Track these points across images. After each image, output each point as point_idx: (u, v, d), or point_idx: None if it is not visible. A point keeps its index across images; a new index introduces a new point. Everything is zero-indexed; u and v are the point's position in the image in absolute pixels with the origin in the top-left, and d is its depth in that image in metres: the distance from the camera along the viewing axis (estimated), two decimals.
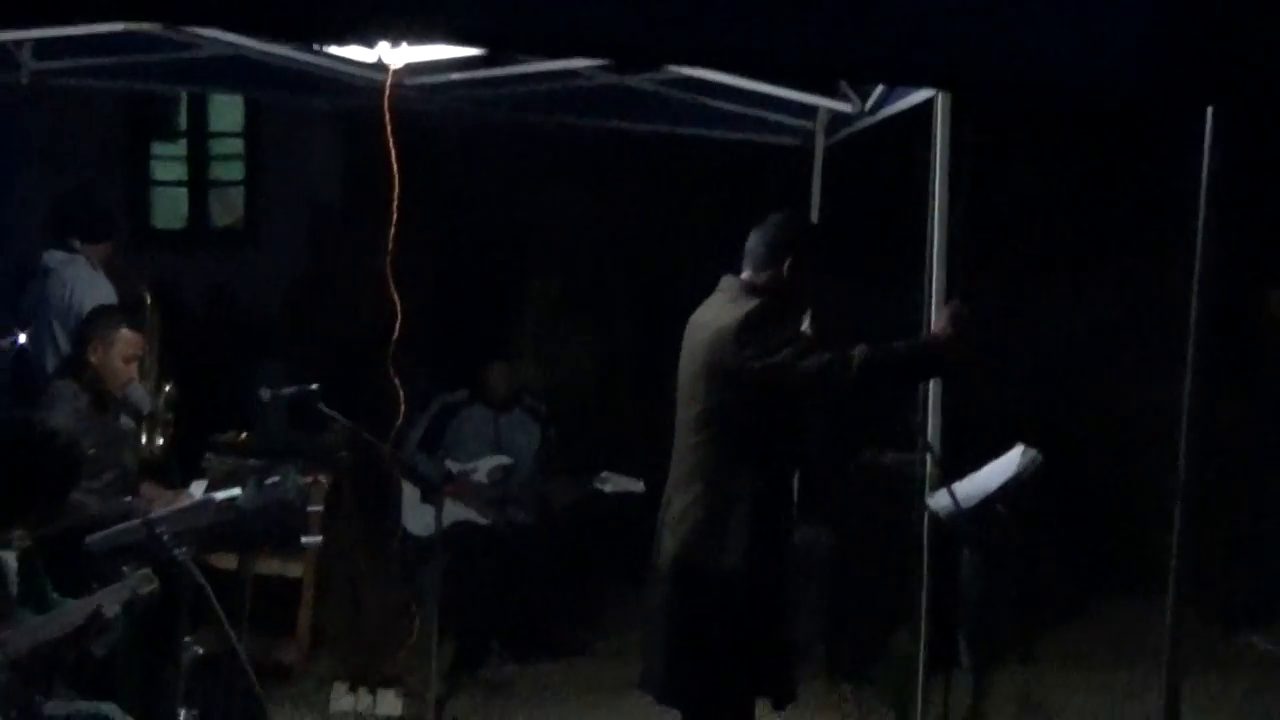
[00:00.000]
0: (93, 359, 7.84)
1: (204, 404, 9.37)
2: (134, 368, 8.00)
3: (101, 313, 8.12)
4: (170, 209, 16.01)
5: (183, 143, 16.15)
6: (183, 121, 16.08)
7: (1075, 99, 5.60)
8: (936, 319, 6.27)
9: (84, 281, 8.96)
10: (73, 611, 5.89)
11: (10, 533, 6.10)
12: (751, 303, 6.18)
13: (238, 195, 16.25)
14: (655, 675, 6.49)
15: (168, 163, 16.16)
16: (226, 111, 16.08)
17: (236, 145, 16.15)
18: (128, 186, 14.87)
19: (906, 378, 6.40)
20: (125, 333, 7.92)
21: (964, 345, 6.11)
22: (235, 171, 16.22)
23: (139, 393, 8.32)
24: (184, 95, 15.48)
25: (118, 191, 14.49)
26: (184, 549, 5.87)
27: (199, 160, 16.05)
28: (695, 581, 6.29)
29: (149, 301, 9.08)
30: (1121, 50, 4.98)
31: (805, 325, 6.46)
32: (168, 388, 8.99)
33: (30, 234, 10.54)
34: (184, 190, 16.06)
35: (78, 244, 8.99)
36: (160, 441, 8.78)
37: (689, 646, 6.33)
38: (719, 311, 6.28)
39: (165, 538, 5.83)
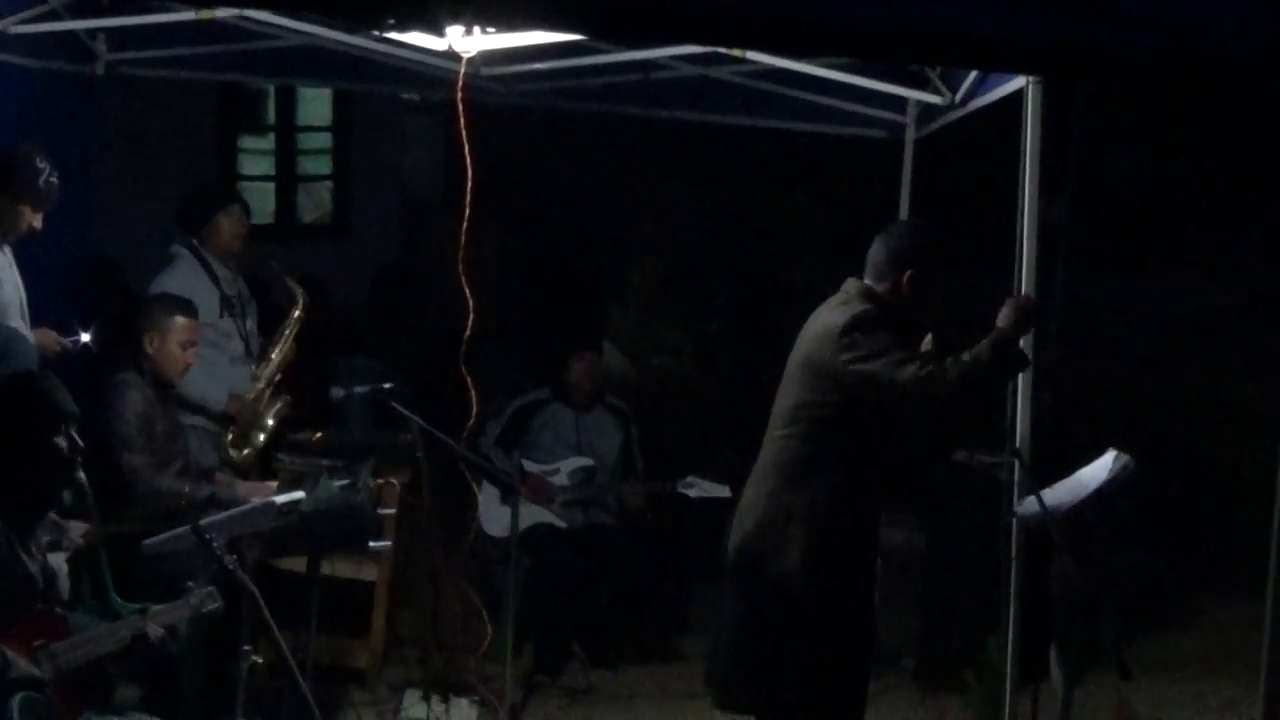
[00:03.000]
0: (150, 349, 7.77)
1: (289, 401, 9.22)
2: (192, 354, 7.91)
3: (156, 302, 8.01)
4: (258, 204, 15.95)
5: (271, 137, 16.11)
6: (271, 115, 16.06)
7: (1181, 77, 5.34)
8: (1003, 313, 6.04)
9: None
10: (121, 627, 5.79)
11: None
12: (862, 306, 6.08)
13: (325, 190, 16.21)
14: (714, 677, 6.35)
15: (256, 157, 16.14)
16: (315, 105, 16.07)
17: (325, 139, 16.12)
18: (216, 180, 14.73)
19: (998, 381, 6.18)
20: (180, 320, 7.85)
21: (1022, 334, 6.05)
22: (323, 166, 16.18)
23: (201, 390, 8.22)
24: (271, 89, 15.50)
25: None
26: (234, 556, 5.70)
27: (287, 154, 16.00)
28: (752, 580, 6.19)
29: (301, 302, 8.93)
30: (1233, 19, 4.73)
31: (927, 343, 6.22)
32: (279, 403, 8.83)
33: (109, 226, 10.46)
34: (272, 185, 16.00)
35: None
36: (245, 452, 8.63)
37: (745, 649, 6.19)
38: (832, 310, 6.19)
39: (215, 544, 5.66)
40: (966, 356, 5.85)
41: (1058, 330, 10.36)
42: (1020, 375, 6.83)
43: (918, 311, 6.20)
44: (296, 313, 8.87)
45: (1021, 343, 6.15)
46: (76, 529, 6.43)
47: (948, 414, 6.30)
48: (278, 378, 8.85)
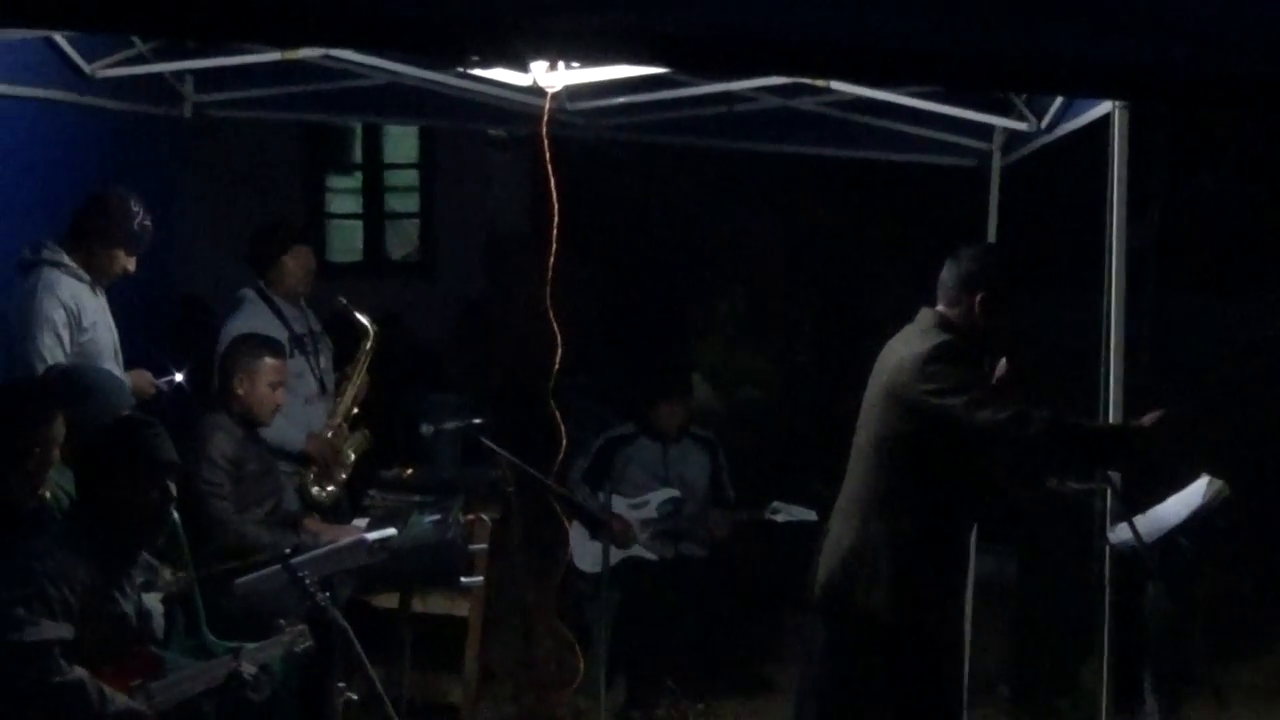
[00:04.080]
0: (240, 390, 7.80)
1: (377, 438, 9.24)
2: (281, 394, 7.94)
3: (243, 343, 8.03)
4: (346, 241, 16.06)
5: (358, 175, 16.20)
6: (358, 154, 16.14)
7: (1270, 101, 5.29)
8: (1150, 417, 5.96)
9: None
10: (217, 666, 5.83)
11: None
12: (942, 337, 6.09)
13: (413, 227, 16.28)
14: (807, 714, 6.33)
15: (343, 195, 16.23)
16: (401, 143, 16.15)
17: (411, 177, 16.19)
18: (304, 219, 14.80)
19: (1088, 459, 6.13)
20: (269, 360, 7.88)
21: (1165, 445, 5.88)
22: (410, 203, 16.25)
23: (279, 432, 8.25)
24: (358, 127, 15.57)
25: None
26: (326, 594, 5.72)
27: (374, 192, 16.08)
28: (840, 616, 6.21)
29: (371, 335, 8.94)
30: None
31: (1001, 367, 6.19)
32: (359, 438, 8.86)
33: (197, 267, 10.53)
34: (359, 223, 16.09)
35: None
36: (330, 489, 8.64)
37: (837, 684, 6.15)
38: (909, 340, 6.20)
39: (307, 581, 5.68)
40: (1070, 421, 5.86)
41: (1150, 352, 10.30)
42: (1112, 400, 6.79)
43: (990, 334, 6.20)
44: (367, 345, 8.89)
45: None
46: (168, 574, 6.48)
47: (1027, 462, 6.23)
48: (354, 412, 8.86)
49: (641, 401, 9.77)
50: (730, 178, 14.09)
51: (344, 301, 9.05)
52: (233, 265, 8.88)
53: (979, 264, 6.23)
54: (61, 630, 5.37)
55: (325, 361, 8.98)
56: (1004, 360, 6.20)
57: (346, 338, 9.17)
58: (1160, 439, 5.87)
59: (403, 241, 16.41)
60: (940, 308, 6.23)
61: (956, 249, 6.33)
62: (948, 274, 6.25)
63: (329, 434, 8.68)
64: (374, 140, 16.00)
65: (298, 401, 8.58)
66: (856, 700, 6.12)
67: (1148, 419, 5.93)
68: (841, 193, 13.78)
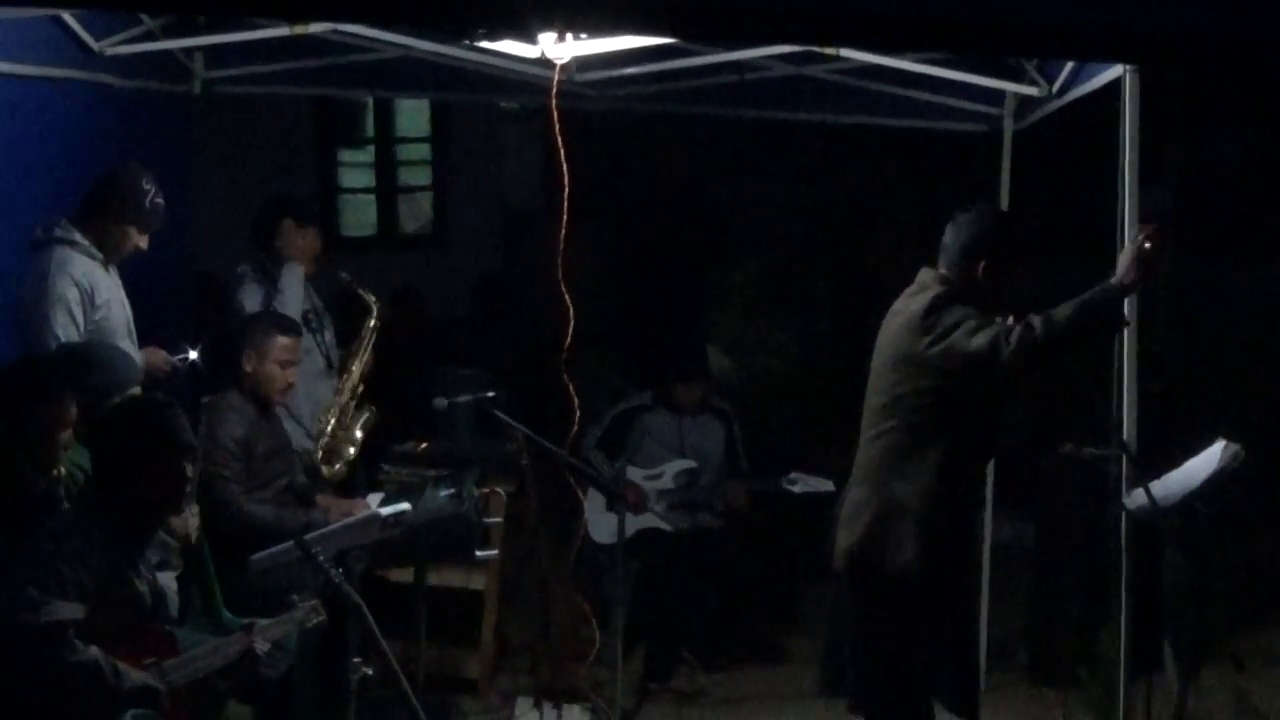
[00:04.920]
0: (249, 368, 7.74)
1: (392, 412, 9.24)
2: (292, 373, 7.88)
3: (254, 321, 8.02)
4: (358, 216, 16.04)
5: (370, 149, 16.19)
6: (369, 128, 16.13)
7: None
8: (1122, 263, 6.02)
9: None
10: (230, 643, 5.84)
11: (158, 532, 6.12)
12: (936, 290, 6.14)
13: (425, 200, 16.26)
14: (845, 681, 6.34)
15: (355, 170, 16.22)
16: (413, 117, 16.13)
17: (423, 150, 16.17)
18: (316, 194, 14.78)
19: (1084, 329, 6.07)
20: (279, 339, 7.81)
21: (1146, 278, 6.00)
22: (423, 177, 16.24)
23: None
24: (370, 102, 15.56)
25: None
26: (340, 570, 5.72)
27: (386, 166, 16.06)
28: (870, 580, 6.21)
29: (375, 311, 8.92)
30: None
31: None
32: (366, 414, 8.85)
33: (210, 243, 10.51)
34: (372, 197, 16.07)
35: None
36: (338, 467, 8.63)
37: (870, 651, 6.18)
38: (909, 301, 6.24)
39: (321, 558, 5.67)
40: (1042, 316, 5.86)
41: (1165, 318, 10.26)
42: (1127, 366, 6.78)
43: (994, 295, 6.21)
44: (372, 322, 8.87)
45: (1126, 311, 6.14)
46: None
47: (1021, 372, 6.21)
48: (360, 389, 8.85)
49: (655, 372, 9.76)
50: (745, 147, 14.08)
51: (347, 277, 9.04)
52: (246, 242, 8.85)
53: (981, 227, 6.25)
54: (75, 610, 5.36)
55: (330, 337, 8.97)
56: (1011, 320, 6.18)
57: (350, 314, 9.16)
58: (1130, 283, 5.97)
59: (415, 215, 16.40)
60: (942, 270, 6.26)
61: (958, 213, 6.34)
62: (950, 238, 6.27)
63: (335, 411, 8.66)
64: (385, 114, 15.99)
65: (305, 377, 8.54)
66: (895, 660, 6.13)
67: (1122, 268, 6.00)
68: (857, 161, 13.76)
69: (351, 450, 8.72)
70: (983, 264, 6.16)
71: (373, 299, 8.93)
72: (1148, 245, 5.97)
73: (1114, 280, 5.99)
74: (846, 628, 6.36)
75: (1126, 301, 6.23)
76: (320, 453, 8.55)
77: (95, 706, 5.38)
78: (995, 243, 6.22)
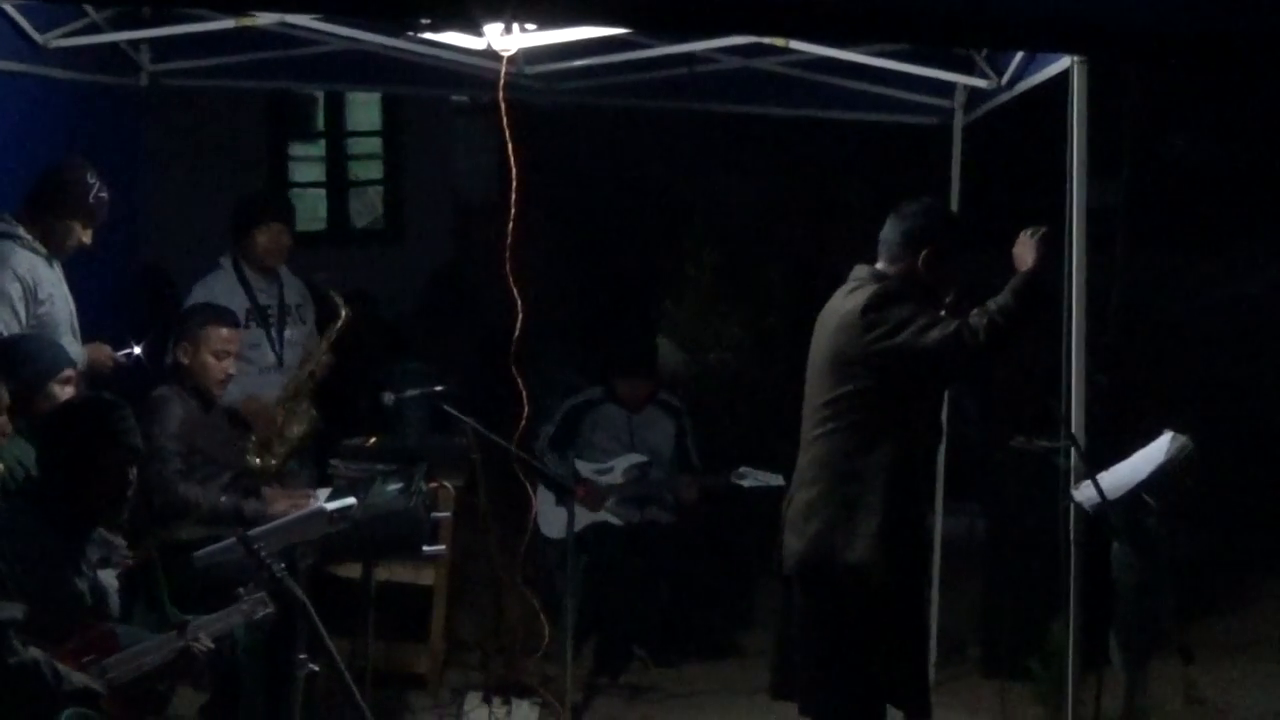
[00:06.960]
0: (184, 360, 7.68)
1: (343, 408, 9.19)
2: (229, 364, 7.81)
3: (190, 312, 7.99)
4: (310, 210, 15.98)
5: (321, 143, 16.14)
6: (320, 122, 16.07)
7: (1224, 56, 5.27)
8: (1022, 252, 6.16)
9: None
10: (170, 640, 5.84)
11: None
12: (874, 286, 6.10)
13: (377, 195, 16.22)
14: (798, 684, 6.30)
15: (306, 164, 16.17)
16: (364, 110, 16.09)
17: (375, 144, 16.14)
18: (268, 189, 14.71)
19: (1027, 319, 6.08)
20: (214, 329, 7.74)
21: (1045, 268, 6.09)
22: (374, 171, 16.20)
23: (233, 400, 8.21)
24: (321, 96, 15.51)
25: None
26: (283, 566, 5.67)
27: (338, 160, 16.02)
28: (822, 583, 6.15)
29: (342, 318, 8.83)
30: None
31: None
32: (309, 417, 8.78)
33: (159, 238, 10.47)
34: (323, 191, 16.02)
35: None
36: (270, 461, 8.55)
37: (822, 654, 6.15)
38: (845, 298, 6.19)
39: (264, 554, 5.63)
40: (993, 306, 5.88)
41: (1115, 311, 10.27)
42: (1075, 359, 6.78)
43: (935, 290, 6.21)
44: (336, 325, 8.80)
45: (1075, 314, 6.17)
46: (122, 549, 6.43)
47: (983, 366, 6.24)
48: (310, 388, 8.78)
49: (606, 369, 9.76)
50: (699, 141, 14.07)
51: (323, 277, 9.01)
52: (196, 236, 8.83)
53: (923, 220, 6.24)
54: (14, 611, 5.31)
55: (292, 333, 8.91)
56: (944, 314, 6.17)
57: (320, 315, 9.12)
58: (1040, 264, 6.06)
59: (367, 210, 16.35)
60: (880, 265, 6.24)
61: (898, 206, 6.32)
62: (890, 230, 6.25)
63: (269, 402, 8.60)
64: (337, 108, 15.94)
65: (252, 370, 8.55)
66: (847, 662, 6.10)
67: (1026, 256, 6.13)
68: (807, 153, 13.76)
69: (283, 449, 8.61)
70: (924, 253, 6.14)
71: (342, 303, 8.84)
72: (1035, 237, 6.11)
73: (1024, 270, 6.05)
74: (797, 631, 6.31)
75: (1076, 295, 6.25)
76: (252, 444, 8.44)
77: (34, 708, 5.32)
78: (938, 232, 6.22)
